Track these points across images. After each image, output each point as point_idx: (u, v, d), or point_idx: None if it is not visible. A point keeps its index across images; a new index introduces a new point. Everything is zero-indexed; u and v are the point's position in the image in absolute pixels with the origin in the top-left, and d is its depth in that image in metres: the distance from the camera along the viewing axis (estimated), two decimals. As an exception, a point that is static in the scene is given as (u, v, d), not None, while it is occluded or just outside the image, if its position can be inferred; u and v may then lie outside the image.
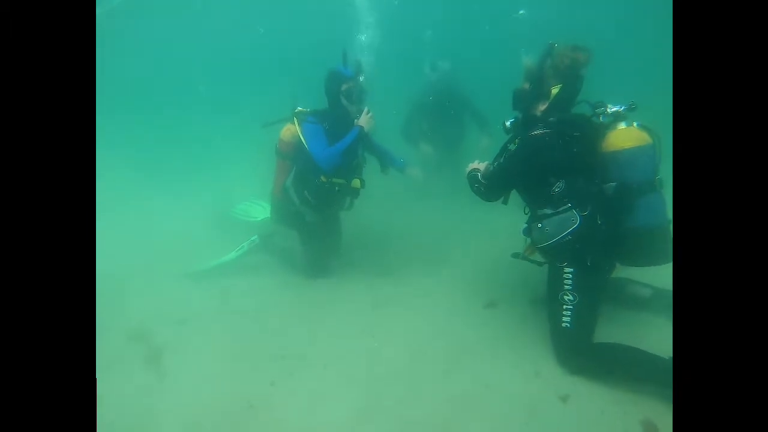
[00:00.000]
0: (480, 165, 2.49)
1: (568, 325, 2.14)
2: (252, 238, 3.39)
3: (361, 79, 2.83)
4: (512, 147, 2.23)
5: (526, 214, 2.40)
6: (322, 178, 2.88)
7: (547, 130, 2.09)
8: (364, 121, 2.80)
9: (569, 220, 2.10)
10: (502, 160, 2.28)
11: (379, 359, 2.36)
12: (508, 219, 2.40)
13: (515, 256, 2.47)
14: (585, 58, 2.09)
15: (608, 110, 2.12)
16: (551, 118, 2.12)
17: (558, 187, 2.13)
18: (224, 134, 6.91)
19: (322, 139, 2.74)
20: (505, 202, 2.45)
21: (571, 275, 2.16)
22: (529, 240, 2.35)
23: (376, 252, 3.65)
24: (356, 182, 2.92)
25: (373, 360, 2.35)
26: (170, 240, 4.07)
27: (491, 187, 2.34)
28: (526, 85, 2.22)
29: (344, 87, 2.77)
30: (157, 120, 8.32)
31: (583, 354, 2.10)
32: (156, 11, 9.31)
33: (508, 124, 2.34)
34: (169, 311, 2.93)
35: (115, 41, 8.19)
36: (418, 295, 3.01)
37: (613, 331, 2.23)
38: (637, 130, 2.07)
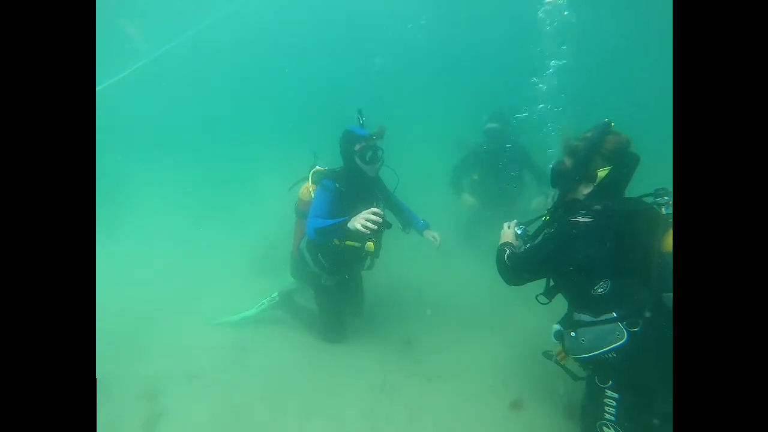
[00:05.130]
0: (512, 238, 2.12)
1: None
2: (273, 295, 3.33)
3: (380, 142, 2.69)
4: (550, 230, 1.90)
5: (541, 303, 1.98)
6: (336, 241, 2.75)
7: (590, 219, 1.71)
8: (358, 221, 2.28)
9: (613, 335, 1.68)
10: (536, 242, 1.94)
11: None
12: (556, 298, 2.03)
13: (547, 356, 2.11)
14: (627, 139, 1.73)
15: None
16: (597, 206, 1.72)
17: (601, 287, 1.74)
18: (267, 173, 6.38)
19: (325, 207, 2.61)
20: (546, 297, 2.02)
21: (615, 403, 1.74)
22: (560, 346, 1.96)
23: (397, 319, 3.36)
24: (369, 245, 2.72)
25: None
26: (198, 284, 4.06)
27: (518, 272, 1.94)
28: (567, 162, 1.85)
29: (358, 147, 2.65)
30: (198, 157, 8.23)
31: None
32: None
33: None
34: (180, 364, 2.91)
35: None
36: (434, 379, 2.69)
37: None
38: None
